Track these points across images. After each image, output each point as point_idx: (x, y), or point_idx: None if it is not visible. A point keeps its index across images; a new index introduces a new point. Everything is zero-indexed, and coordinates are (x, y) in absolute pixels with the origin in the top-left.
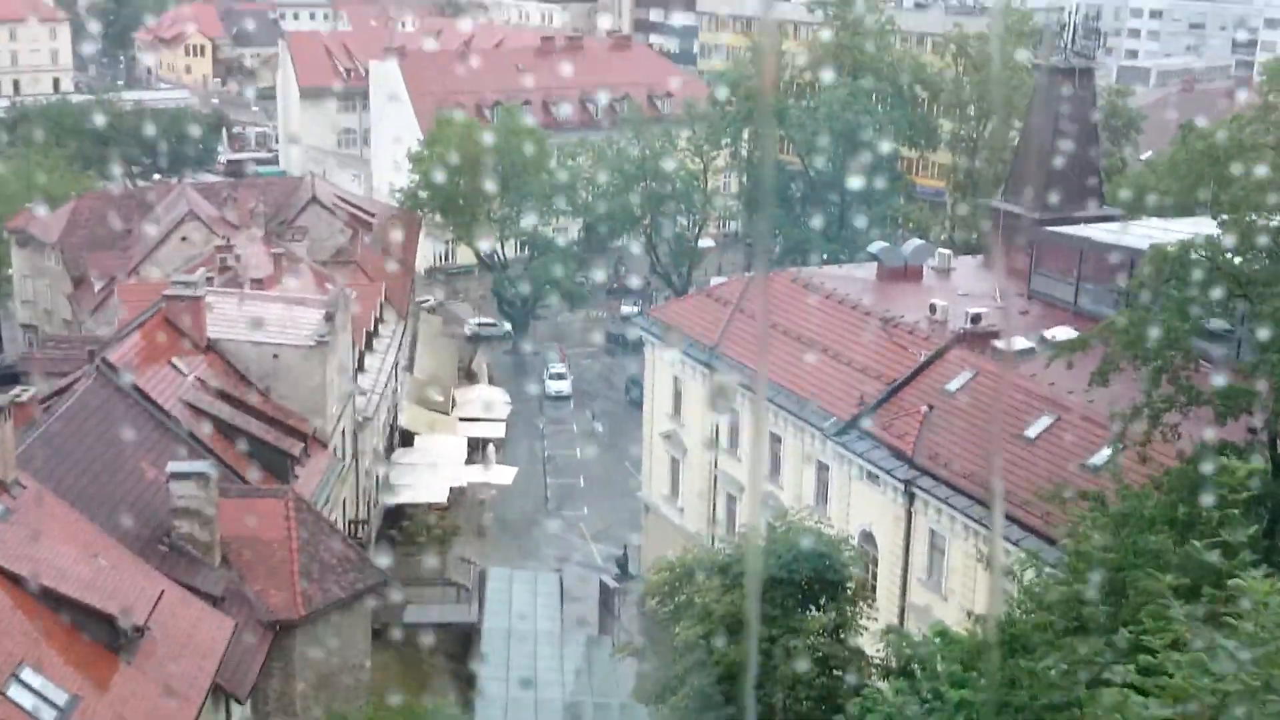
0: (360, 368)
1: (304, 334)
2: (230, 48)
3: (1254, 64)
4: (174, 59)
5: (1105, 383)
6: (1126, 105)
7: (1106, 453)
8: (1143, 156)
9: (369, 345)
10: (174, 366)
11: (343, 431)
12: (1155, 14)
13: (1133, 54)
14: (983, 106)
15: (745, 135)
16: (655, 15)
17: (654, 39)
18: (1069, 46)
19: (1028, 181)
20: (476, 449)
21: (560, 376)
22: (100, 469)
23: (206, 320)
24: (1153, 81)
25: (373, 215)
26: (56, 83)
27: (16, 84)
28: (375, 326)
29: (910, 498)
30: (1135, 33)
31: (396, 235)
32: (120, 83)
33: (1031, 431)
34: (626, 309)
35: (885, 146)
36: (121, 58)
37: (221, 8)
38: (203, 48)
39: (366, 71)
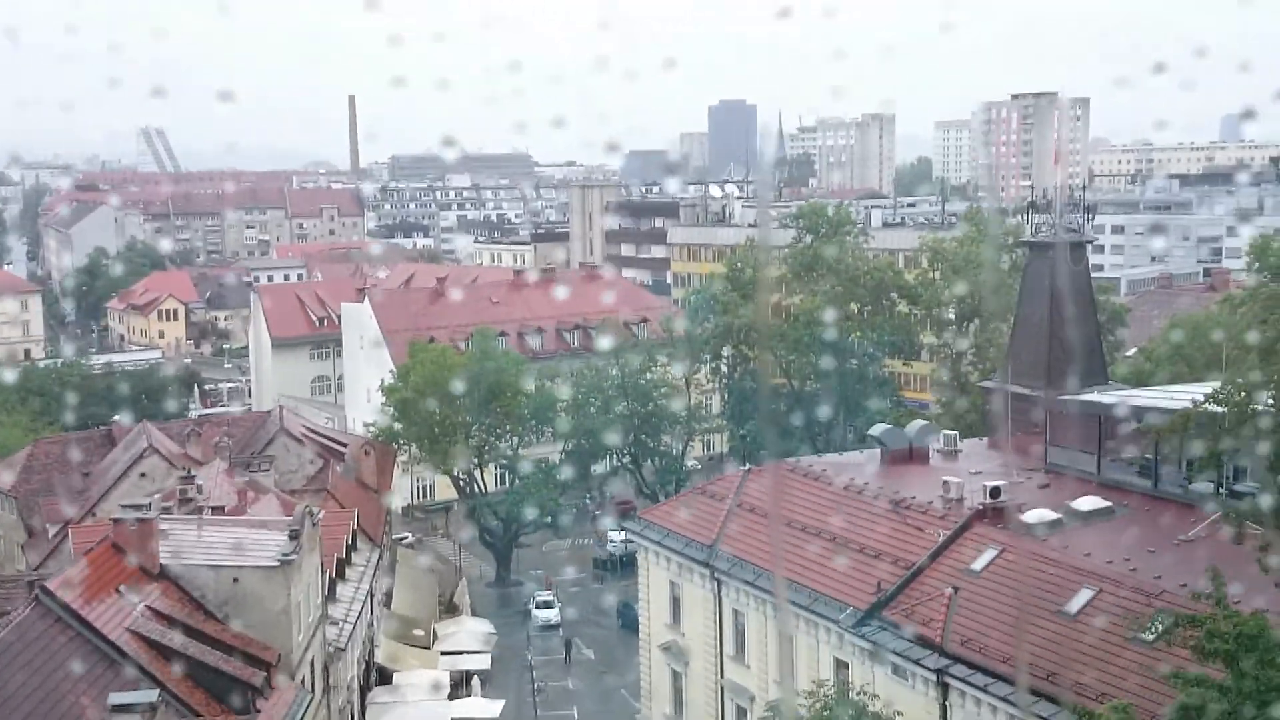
0: (332, 595)
1: (267, 555)
2: (204, 311)
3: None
4: (147, 325)
5: None
6: (1110, 299)
7: (1159, 626)
8: (1129, 353)
9: (341, 573)
10: (122, 594)
11: (311, 662)
12: (1117, 229)
13: (1099, 267)
14: (964, 308)
15: (725, 352)
16: (627, 250)
17: (627, 273)
18: (1057, 221)
19: (1029, 358)
20: (460, 683)
21: (547, 605)
22: (34, 706)
23: (160, 546)
24: (1124, 290)
25: (344, 445)
26: (28, 353)
27: None
28: (348, 554)
29: (944, 689)
30: (1100, 248)
31: (370, 465)
32: (93, 350)
33: (1073, 606)
34: (613, 534)
35: (868, 357)
36: (94, 326)
37: (195, 274)
38: (175, 312)
39: (339, 318)
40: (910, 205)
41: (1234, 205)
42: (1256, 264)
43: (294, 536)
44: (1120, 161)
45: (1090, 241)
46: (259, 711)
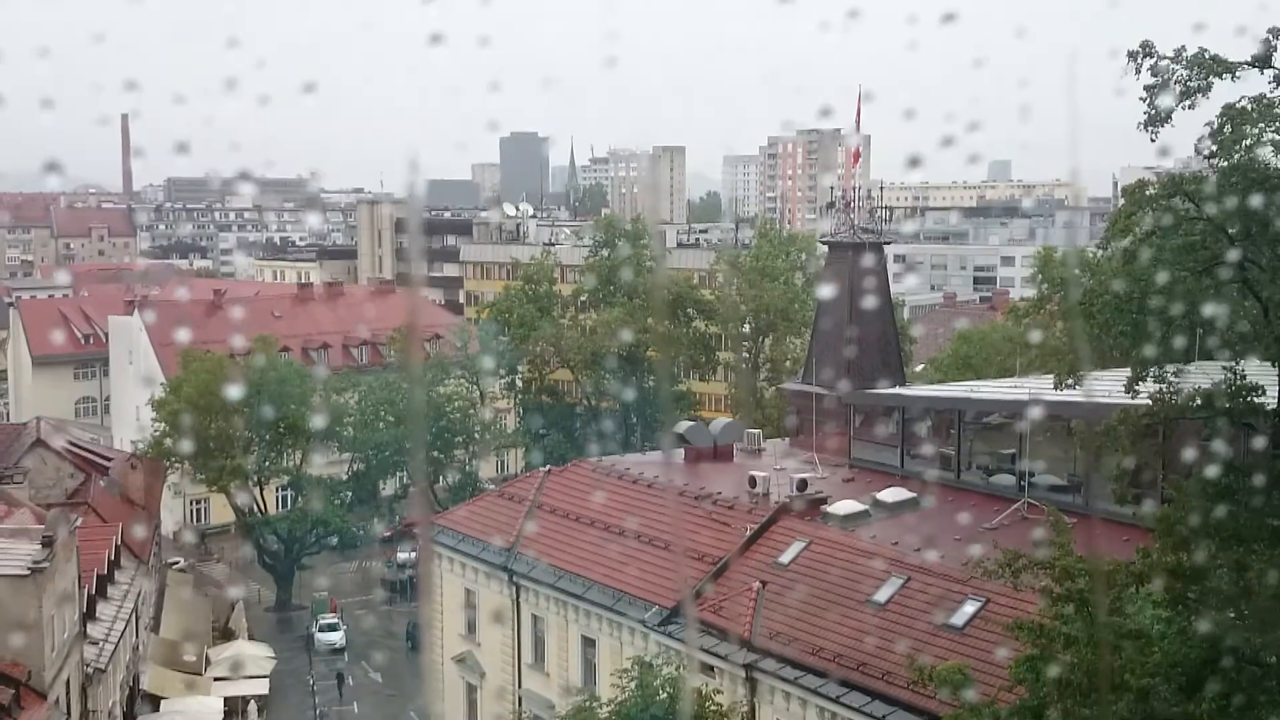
0: (91, 614)
1: (16, 564)
2: None
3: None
4: None
5: None
6: (899, 316)
7: (969, 610)
8: (918, 368)
9: (102, 591)
10: None
11: (67, 682)
12: (899, 258)
13: None
14: (761, 322)
15: (520, 368)
16: (419, 268)
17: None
18: (855, 224)
19: (829, 358)
20: (237, 710)
21: (332, 628)
22: None
23: None
24: (907, 315)
25: (109, 460)
26: None
27: None
28: (110, 571)
29: (753, 684)
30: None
31: (137, 480)
32: None
33: (882, 595)
34: (403, 555)
35: (664, 370)
36: None
37: None
38: None
39: (106, 336)
40: (703, 231)
41: (1008, 236)
42: (1039, 275)
43: (47, 544)
44: (898, 198)
45: (889, 243)
46: None
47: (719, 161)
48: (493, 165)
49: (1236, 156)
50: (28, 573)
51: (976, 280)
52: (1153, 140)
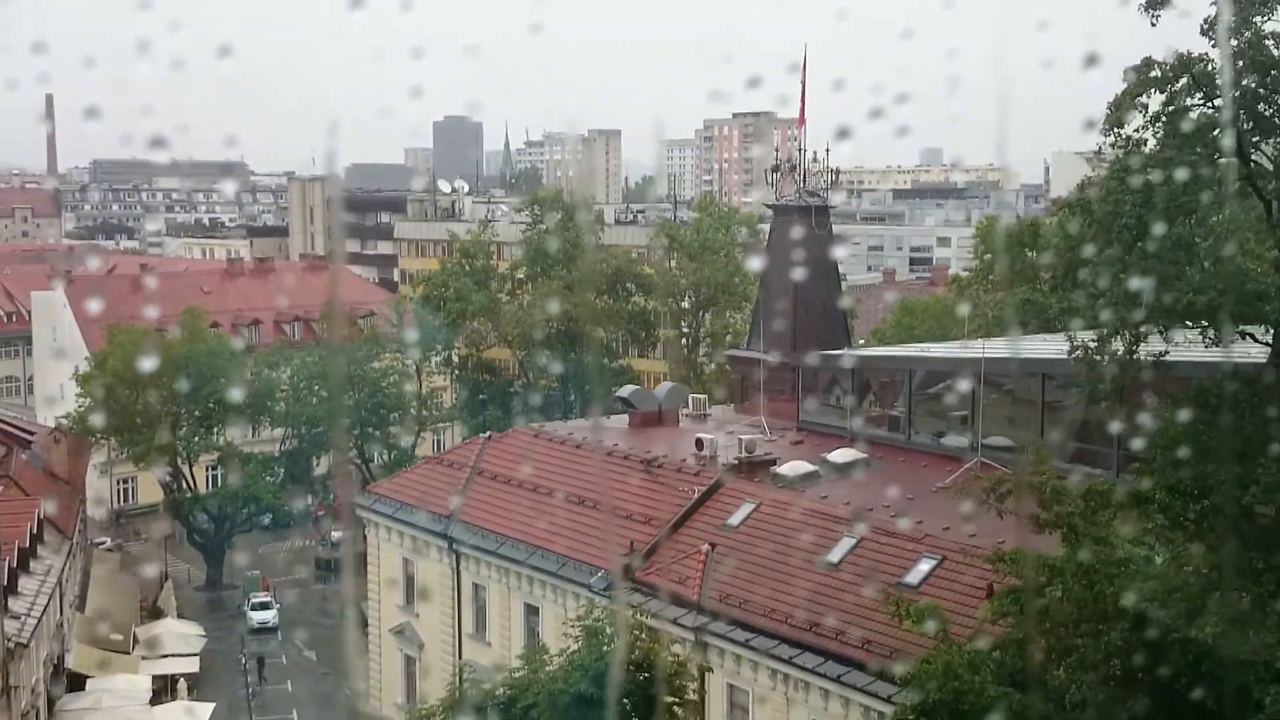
0: (12, 588)
1: None
2: None
3: (939, 266)
4: None
5: None
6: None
7: (924, 568)
8: (860, 342)
9: (24, 565)
10: None
11: None
12: (837, 238)
13: None
14: (701, 295)
15: (456, 343)
16: (351, 246)
17: (352, 269)
18: (801, 186)
19: (774, 322)
20: (165, 689)
21: (264, 606)
22: None
23: None
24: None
25: (32, 433)
26: None
27: None
28: (32, 545)
29: (703, 647)
30: None
31: (60, 454)
32: None
33: (834, 556)
34: (336, 533)
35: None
36: None
37: None
38: None
39: (29, 313)
40: (640, 210)
41: (944, 217)
42: (981, 246)
43: None
44: (832, 179)
45: (833, 207)
46: None
47: (653, 147)
48: (425, 149)
49: (1242, 40)
50: None
51: (913, 261)
52: (1153, 25)
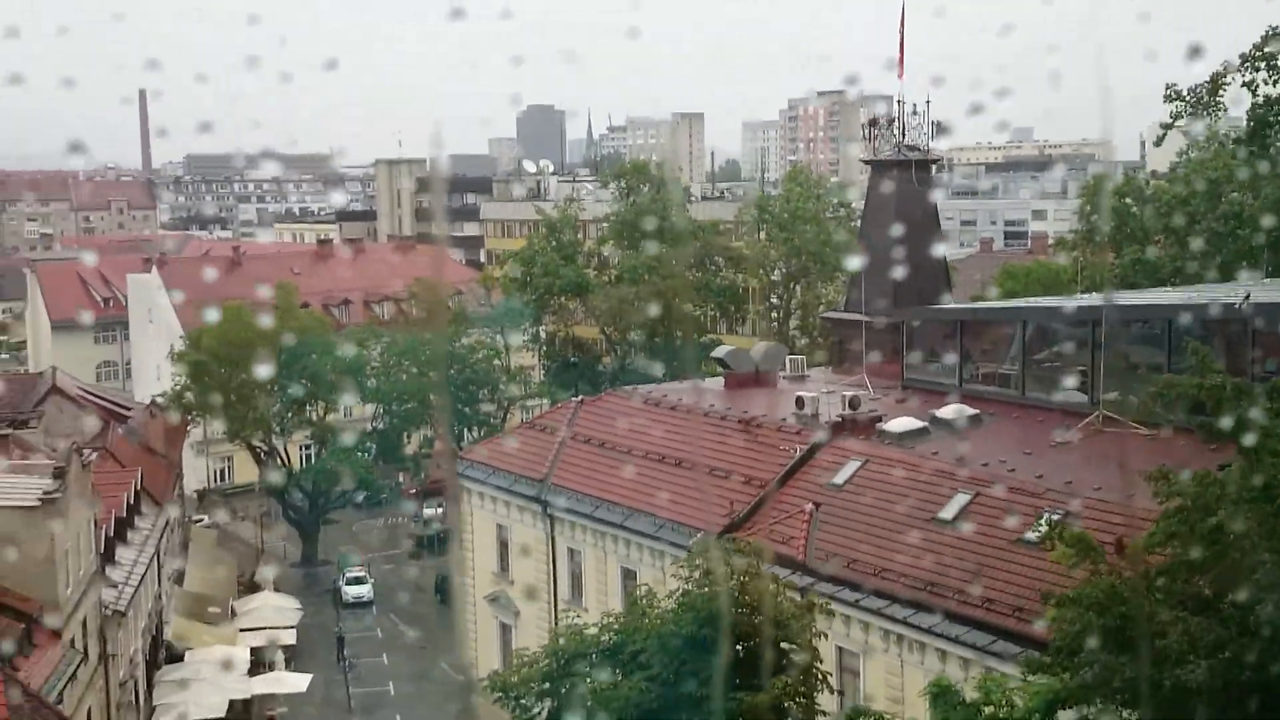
0: (110, 556)
1: (28, 495)
2: None
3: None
4: None
5: None
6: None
7: (1043, 525)
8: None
9: (122, 535)
10: None
11: (84, 623)
12: None
13: None
14: (792, 267)
15: (545, 319)
16: (439, 228)
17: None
18: (901, 140)
19: (875, 280)
20: (264, 661)
21: (359, 581)
22: None
23: None
24: None
25: (129, 409)
26: None
27: None
28: (130, 515)
29: (810, 608)
30: None
31: (157, 428)
32: None
33: (948, 513)
34: (430, 510)
35: (693, 314)
36: None
37: None
38: None
39: (126, 299)
40: (727, 187)
41: (1039, 189)
42: (1089, 206)
43: (59, 475)
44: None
45: (936, 161)
46: (16, 670)
47: (738, 133)
48: (510, 139)
49: None
50: (38, 503)
51: (1008, 235)
52: None
